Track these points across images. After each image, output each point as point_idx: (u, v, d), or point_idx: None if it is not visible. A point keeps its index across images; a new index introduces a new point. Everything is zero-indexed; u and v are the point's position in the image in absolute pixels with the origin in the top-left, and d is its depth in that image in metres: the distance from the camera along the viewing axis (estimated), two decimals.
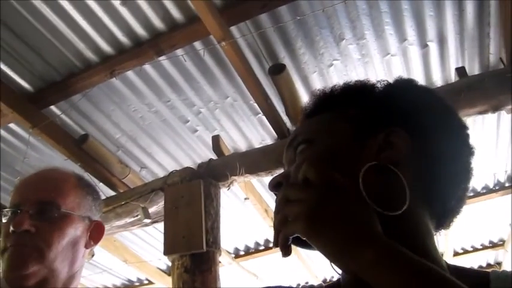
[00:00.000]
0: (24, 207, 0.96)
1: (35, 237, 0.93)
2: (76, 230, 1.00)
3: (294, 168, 0.60)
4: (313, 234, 0.50)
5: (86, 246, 1.03)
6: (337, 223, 0.50)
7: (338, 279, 0.65)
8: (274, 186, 0.62)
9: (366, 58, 2.53)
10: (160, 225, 2.69)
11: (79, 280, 1.03)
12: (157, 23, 2.30)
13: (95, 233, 1.05)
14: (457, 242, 4.58)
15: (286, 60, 2.50)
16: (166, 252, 2.48)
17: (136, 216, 2.80)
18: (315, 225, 0.50)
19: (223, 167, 2.69)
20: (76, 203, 1.01)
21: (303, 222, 0.51)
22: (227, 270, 4.20)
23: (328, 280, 5.06)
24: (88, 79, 2.50)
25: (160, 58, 2.41)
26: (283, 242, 0.54)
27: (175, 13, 2.26)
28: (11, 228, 0.93)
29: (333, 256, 0.50)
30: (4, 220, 0.98)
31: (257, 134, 3.00)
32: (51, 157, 2.93)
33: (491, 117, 2.96)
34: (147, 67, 2.49)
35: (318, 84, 2.67)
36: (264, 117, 2.79)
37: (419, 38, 2.43)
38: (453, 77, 2.55)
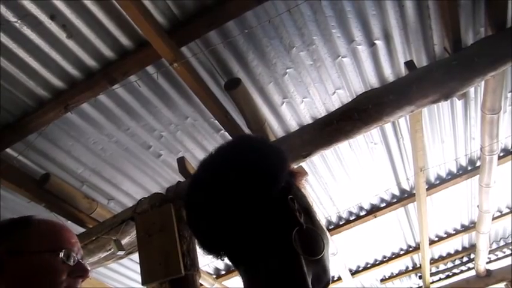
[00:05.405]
0: None
1: None
2: None
3: None
4: None
5: None
6: None
7: None
8: None
9: (318, 63, 2.57)
10: (136, 256, 2.63)
11: None
12: (107, 52, 2.28)
13: None
14: (431, 230, 4.68)
15: (240, 74, 2.52)
16: (144, 282, 2.42)
17: (110, 250, 2.72)
18: None
19: None
20: None
21: None
22: None
23: None
24: (42, 117, 2.44)
25: (114, 87, 2.38)
26: None
27: (124, 40, 2.24)
28: None
29: None
30: None
31: None
32: (13, 202, 2.83)
33: (444, 105, 3.07)
34: (102, 97, 2.45)
35: (275, 94, 2.71)
36: (226, 133, 2.79)
37: (366, 38, 2.50)
38: (403, 71, 2.63)
